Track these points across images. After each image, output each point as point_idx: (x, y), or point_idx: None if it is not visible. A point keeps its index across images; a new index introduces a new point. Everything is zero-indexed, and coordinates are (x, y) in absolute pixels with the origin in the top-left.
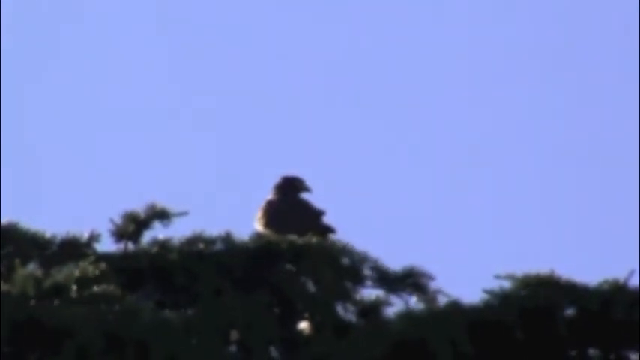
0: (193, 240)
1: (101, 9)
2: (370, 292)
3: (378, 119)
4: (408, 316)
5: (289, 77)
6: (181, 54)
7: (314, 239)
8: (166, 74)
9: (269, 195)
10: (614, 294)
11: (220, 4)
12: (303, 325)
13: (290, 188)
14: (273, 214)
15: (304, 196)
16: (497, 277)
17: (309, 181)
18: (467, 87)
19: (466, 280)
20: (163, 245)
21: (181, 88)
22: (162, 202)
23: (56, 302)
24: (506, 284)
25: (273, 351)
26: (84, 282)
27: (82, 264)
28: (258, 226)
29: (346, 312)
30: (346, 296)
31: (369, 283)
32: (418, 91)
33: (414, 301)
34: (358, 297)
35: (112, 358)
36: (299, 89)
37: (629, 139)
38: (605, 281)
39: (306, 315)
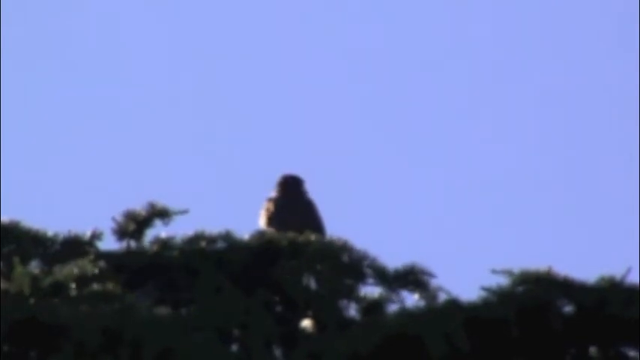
0: (195, 238)
1: (102, 8)
2: (373, 290)
3: (377, 119)
4: (404, 312)
5: (289, 77)
6: (182, 53)
7: (314, 237)
8: (167, 73)
9: (271, 192)
10: (612, 291)
11: (221, 4)
12: (306, 323)
13: (290, 187)
14: (275, 211)
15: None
16: (494, 272)
17: (308, 181)
18: (465, 86)
19: (465, 277)
20: (165, 244)
21: (182, 87)
22: (163, 201)
23: (55, 301)
24: (504, 281)
25: (275, 349)
26: (83, 280)
27: (81, 262)
28: (261, 224)
29: (349, 309)
30: (349, 294)
31: (370, 280)
32: (418, 91)
33: (415, 299)
34: (361, 294)
35: (109, 355)
36: (299, 89)
37: (628, 136)
38: (603, 278)
39: (309, 313)
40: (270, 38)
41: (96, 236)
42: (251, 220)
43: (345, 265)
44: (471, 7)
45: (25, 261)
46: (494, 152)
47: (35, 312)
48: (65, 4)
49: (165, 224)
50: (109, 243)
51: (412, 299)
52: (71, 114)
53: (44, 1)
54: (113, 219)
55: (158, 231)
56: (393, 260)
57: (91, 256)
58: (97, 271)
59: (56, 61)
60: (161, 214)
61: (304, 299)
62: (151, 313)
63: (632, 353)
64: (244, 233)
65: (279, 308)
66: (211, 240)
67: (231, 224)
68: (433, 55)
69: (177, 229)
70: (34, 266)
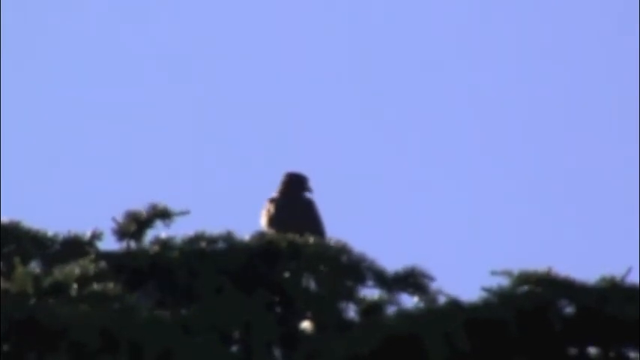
0: (195, 239)
1: (102, 8)
2: (372, 292)
3: (378, 119)
4: (404, 312)
5: (290, 76)
6: (183, 53)
7: (313, 238)
8: (168, 73)
9: (273, 192)
10: (612, 292)
11: (222, 3)
12: (306, 324)
13: (293, 185)
14: (275, 212)
15: (307, 195)
16: (494, 273)
17: (310, 180)
18: (466, 86)
19: (465, 278)
20: (165, 244)
21: (184, 87)
22: (164, 202)
23: (55, 301)
24: (504, 282)
25: (275, 350)
26: (84, 281)
27: (82, 262)
28: (263, 224)
29: (349, 311)
30: (348, 295)
31: (369, 282)
32: (418, 91)
33: (415, 302)
34: (361, 296)
35: (108, 356)
36: (300, 88)
37: (628, 137)
38: (603, 279)
39: (309, 314)
40: (271, 37)
41: (96, 236)
42: (252, 220)
43: (345, 267)
44: (471, 7)
45: (25, 261)
46: (495, 153)
47: (34, 312)
48: (65, 4)
49: (167, 225)
50: (109, 243)
51: (412, 302)
52: (71, 114)
53: (44, 1)
54: (113, 219)
55: (158, 231)
56: (393, 262)
57: (92, 256)
58: (97, 271)
59: (56, 61)
60: (162, 214)
61: (304, 300)
62: (151, 314)
63: (632, 354)
64: (245, 234)
65: (278, 309)
66: (212, 240)
67: (231, 225)
68: (434, 55)
69: (177, 230)
70: (34, 266)
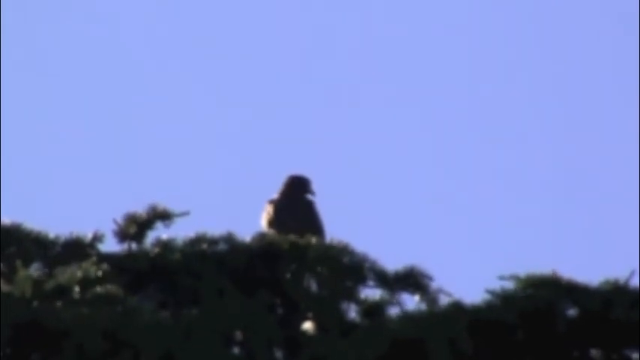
0: (196, 240)
1: (103, 8)
2: (374, 292)
3: (378, 119)
4: (408, 315)
5: (291, 76)
6: (184, 53)
7: (315, 239)
8: (168, 73)
9: (274, 193)
10: (615, 294)
11: (223, 3)
12: (308, 325)
13: (296, 187)
14: (275, 214)
15: (309, 197)
16: (501, 277)
17: (312, 183)
18: (467, 86)
19: (468, 280)
20: (166, 246)
21: (184, 87)
22: (164, 203)
23: (58, 304)
24: (509, 285)
25: (277, 352)
26: (86, 283)
27: (85, 265)
28: (263, 226)
29: (350, 312)
30: (349, 296)
31: (370, 283)
32: (418, 91)
33: (416, 301)
34: (362, 297)
35: (112, 359)
36: (301, 89)
37: (629, 139)
38: (606, 282)
39: (310, 315)
40: (274, 37)
41: (97, 238)
42: (253, 221)
43: (346, 268)
44: (472, 6)
45: (26, 263)
46: (497, 153)
47: (37, 315)
48: (65, 3)
49: (167, 226)
50: (110, 245)
51: (413, 301)
52: (72, 114)
53: (44, 1)
54: (114, 221)
55: (159, 233)
56: (395, 264)
57: (94, 259)
58: (100, 274)
59: (57, 61)
60: (162, 216)
61: (305, 301)
62: (153, 316)
63: (635, 356)
64: (246, 235)
65: (280, 310)
66: (213, 242)
67: (232, 226)
68: (434, 55)
69: (178, 231)
70: (36, 268)
